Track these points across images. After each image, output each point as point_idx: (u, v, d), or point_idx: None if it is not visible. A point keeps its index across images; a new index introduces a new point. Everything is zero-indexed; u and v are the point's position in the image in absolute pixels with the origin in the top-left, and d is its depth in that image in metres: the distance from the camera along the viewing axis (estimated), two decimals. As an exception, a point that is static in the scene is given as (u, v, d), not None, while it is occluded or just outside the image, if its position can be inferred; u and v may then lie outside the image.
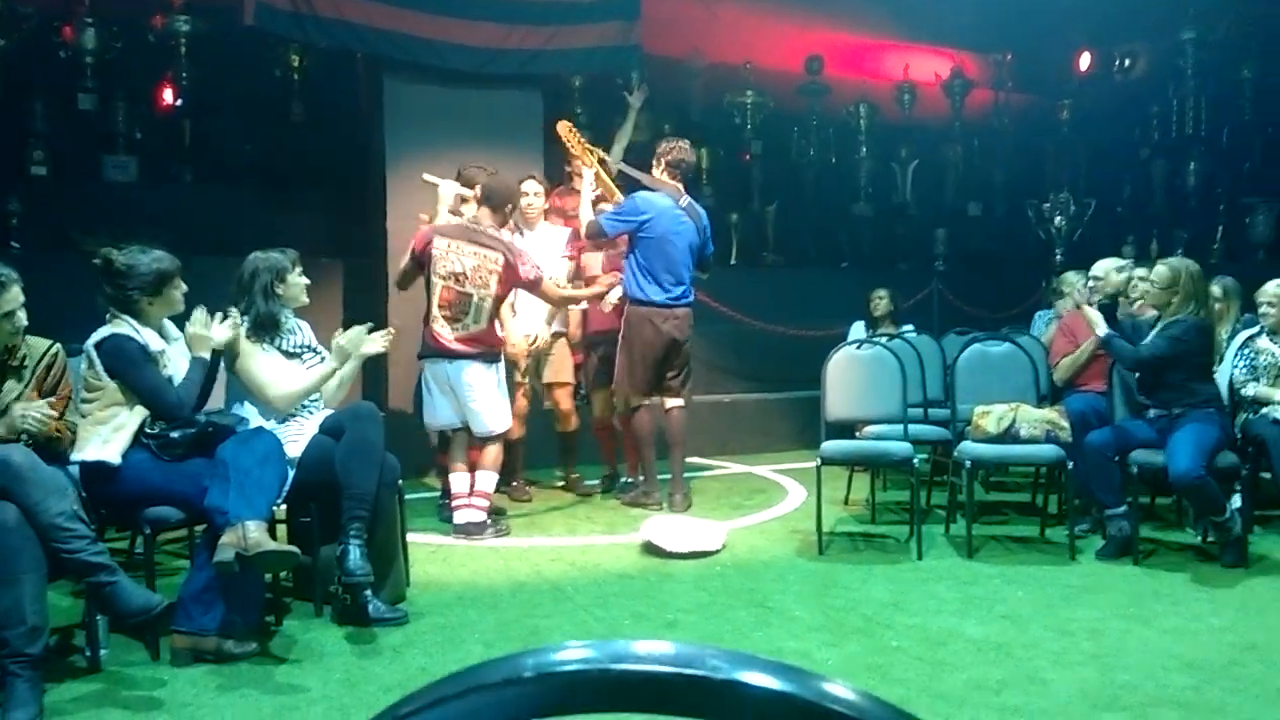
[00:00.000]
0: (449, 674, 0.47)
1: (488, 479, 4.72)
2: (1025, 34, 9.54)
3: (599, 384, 5.51)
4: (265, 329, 3.67)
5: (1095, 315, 4.58)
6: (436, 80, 6.48)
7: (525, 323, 5.30)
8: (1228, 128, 8.88)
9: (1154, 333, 4.38)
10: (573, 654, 0.45)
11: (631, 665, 0.45)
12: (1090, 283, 5.07)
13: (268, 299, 3.67)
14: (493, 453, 4.70)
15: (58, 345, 3.28)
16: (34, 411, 3.01)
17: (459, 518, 4.66)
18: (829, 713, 0.43)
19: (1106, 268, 5.06)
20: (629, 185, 5.48)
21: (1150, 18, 9.01)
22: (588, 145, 5.44)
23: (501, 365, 4.75)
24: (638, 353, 5.13)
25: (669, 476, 5.31)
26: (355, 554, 3.33)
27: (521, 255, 4.72)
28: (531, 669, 0.45)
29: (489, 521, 4.72)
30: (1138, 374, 4.48)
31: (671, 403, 5.34)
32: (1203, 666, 3.03)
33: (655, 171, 5.33)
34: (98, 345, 3.27)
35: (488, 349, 4.65)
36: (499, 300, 4.69)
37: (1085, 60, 9.89)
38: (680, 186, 5.32)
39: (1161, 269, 4.43)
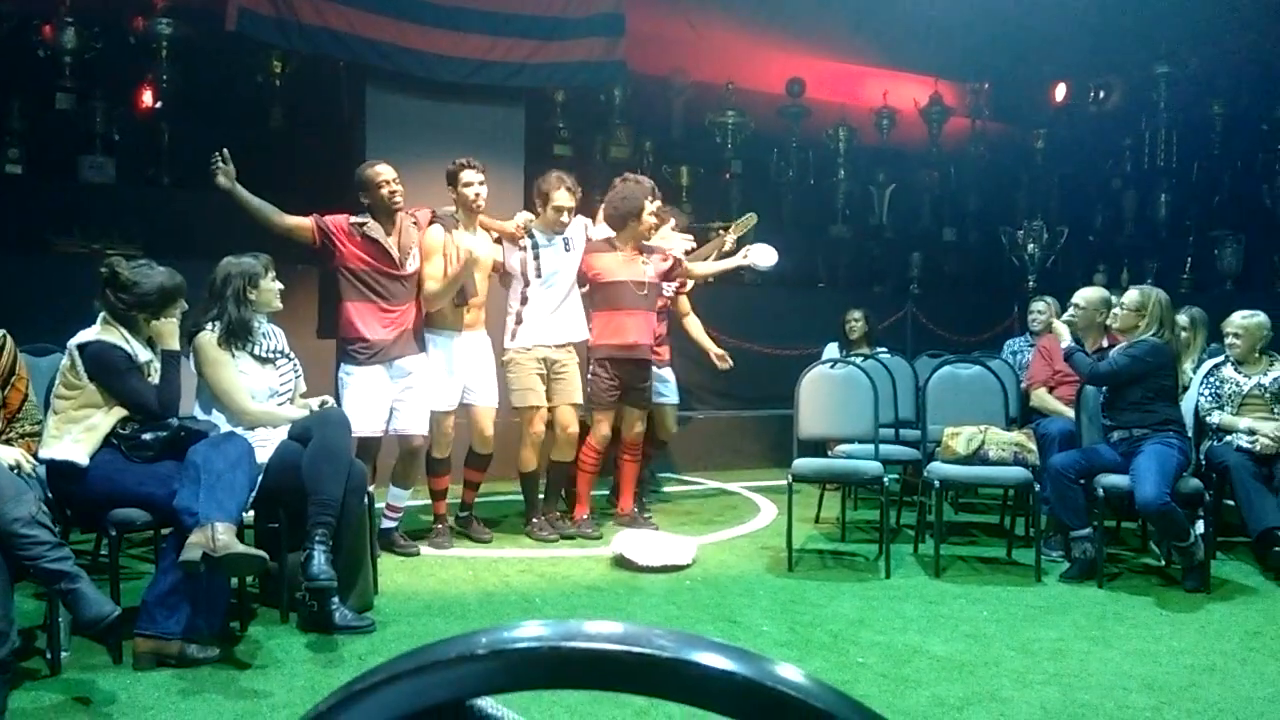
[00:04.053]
0: (404, 651, 0.48)
1: (391, 494, 4.74)
2: (1002, 64, 9.69)
3: (603, 404, 4.98)
4: (237, 335, 3.64)
5: (1063, 328, 4.73)
6: (419, 91, 6.48)
7: (539, 331, 4.90)
8: (1197, 161, 9.03)
9: (1115, 351, 4.48)
10: (526, 632, 0.47)
11: (582, 643, 0.46)
12: (1071, 310, 4.95)
13: (240, 305, 3.65)
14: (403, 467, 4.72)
15: (3, 331, 3.24)
16: (10, 460, 3.01)
17: None
18: (772, 691, 0.45)
19: (1089, 296, 4.90)
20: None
21: (1124, 52, 9.19)
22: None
23: (344, 365, 4.59)
24: None
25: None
26: (320, 559, 3.31)
27: None
28: (485, 646, 0.47)
29: (394, 535, 4.69)
30: (1103, 395, 4.55)
31: None
32: (1162, 688, 3.07)
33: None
34: (81, 347, 3.24)
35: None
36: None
37: (1060, 91, 10.05)
38: None
39: (1132, 294, 4.52)
